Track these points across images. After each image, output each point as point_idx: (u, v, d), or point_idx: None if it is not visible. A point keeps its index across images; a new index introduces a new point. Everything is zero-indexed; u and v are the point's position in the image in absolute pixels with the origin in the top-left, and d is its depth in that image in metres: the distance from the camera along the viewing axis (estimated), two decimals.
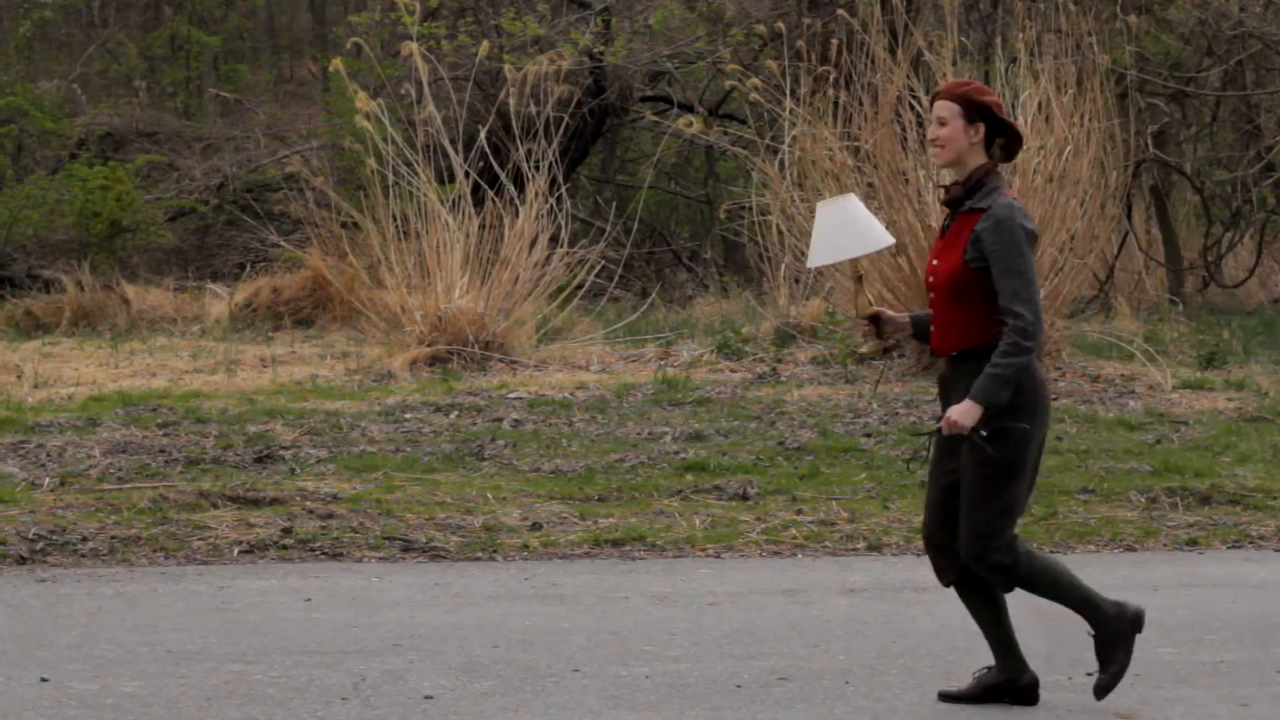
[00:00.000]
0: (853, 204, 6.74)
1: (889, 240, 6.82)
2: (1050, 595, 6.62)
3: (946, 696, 6.70)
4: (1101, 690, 6.59)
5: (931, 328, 6.62)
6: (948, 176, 6.76)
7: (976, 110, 6.47)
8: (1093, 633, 6.62)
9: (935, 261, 6.60)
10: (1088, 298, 18.73)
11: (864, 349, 6.93)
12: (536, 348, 14.93)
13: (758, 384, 13.74)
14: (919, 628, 7.79)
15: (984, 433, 6.36)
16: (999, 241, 6.36)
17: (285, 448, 11.14)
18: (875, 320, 6.79)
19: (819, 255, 6.78)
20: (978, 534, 6.42)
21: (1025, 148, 13.87)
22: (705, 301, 19.38)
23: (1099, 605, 6.60)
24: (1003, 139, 6.53)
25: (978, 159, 6.50)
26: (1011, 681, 6.65)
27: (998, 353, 6.35)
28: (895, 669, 7.11)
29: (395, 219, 14.68)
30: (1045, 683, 6.92)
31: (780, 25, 16.42)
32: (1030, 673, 6.66)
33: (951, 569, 6.56)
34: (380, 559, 9.01)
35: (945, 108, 6.51)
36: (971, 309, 6.47)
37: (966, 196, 6.48)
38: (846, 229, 6.70)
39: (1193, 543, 9.67)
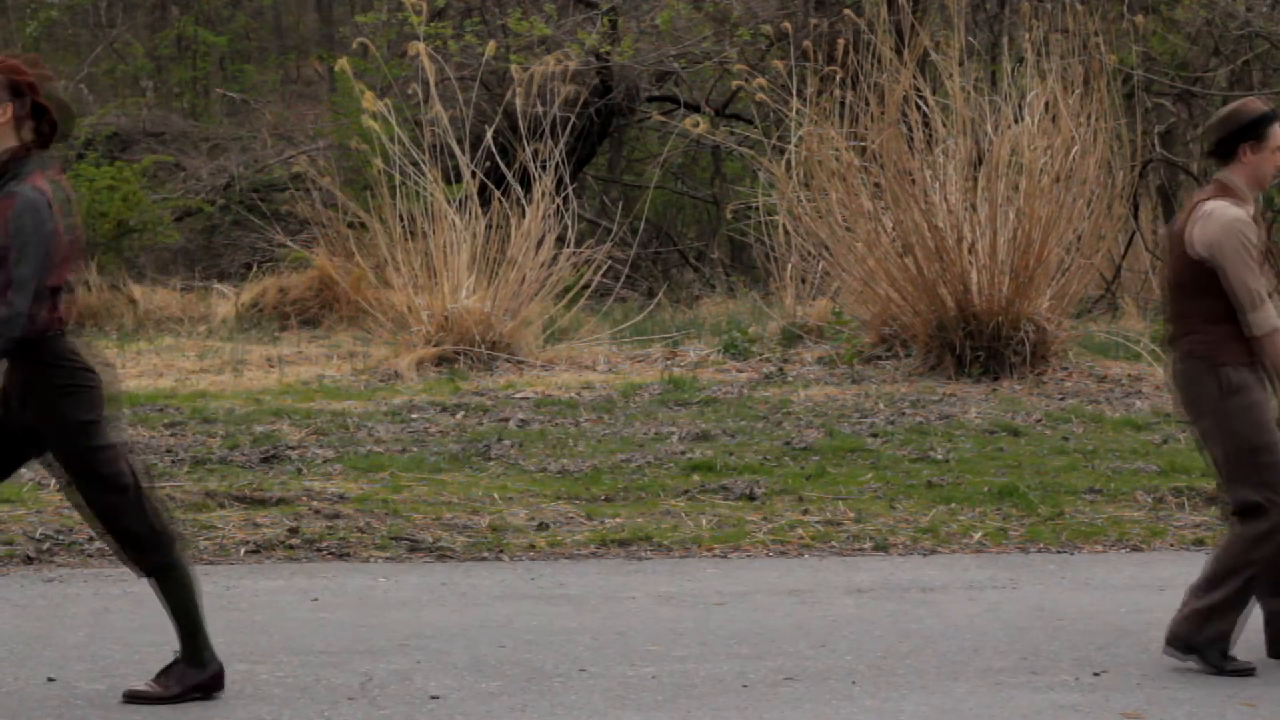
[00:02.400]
0: None
1: None
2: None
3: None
4: (133, 696, 6.56)
5: None
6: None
7: (9, 89, 6.28)
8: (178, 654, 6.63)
9: None
10: (1094, 298, 18.72)
11: None
12: (543, 348, 14.93)
13: (764, 384, 13.74)
14: (926, 628, 7.79)
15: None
16: (16, 232, 6.20)
17: (292, 448, 11.14)
18: None
19: None
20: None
21: (1031, 147, 13.93)
22: (712, 301, 19.38)
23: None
24: (39, 122, 6.34)
25: (9, 140, 6.31)
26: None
27: None
28: (902, 669, 7.11)
29: (402, 219, 14.68)
30: (1052, 682, 6.93)
31: (786, 25, 16.45)
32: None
33: None
34: (387, 559, 9.01)
35: None
36: None
37: (3, 179, 6.28)
38: None
39: (1200, 543, 9.66)
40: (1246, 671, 7.02)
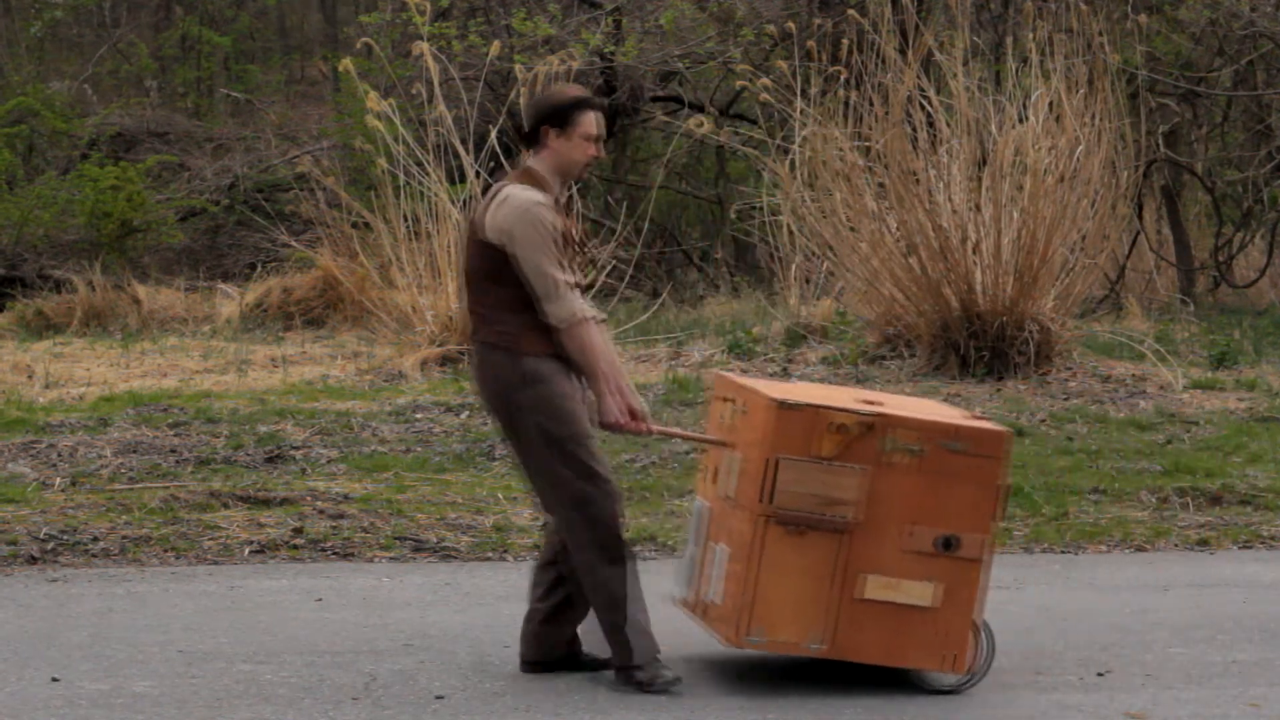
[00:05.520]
0: None
1: None
2: None
3: None
4: None
5: None
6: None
7: None
8: None
9: None
10: (1098, 297, 18.72)
11: None
12: None
13: None
14: None
15: None
16: None
17: (296, 448, 11.14)
18: None
19: None
20: None
21: (1035, 147, 13.92)
22: (716, 301, 19.39)
23: None
24: None
25: None
26: None
27: None
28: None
29: (406, 219, 14.69)
30: (1055, 683, 6.92)
31: (791, 25, 16.43)
32: None
33: None
34: (391, 559, 9.02)
35: None
36: None
37: None
38: None
39: (1204, 543, 9.66)
40: (674, 680, 6.71)
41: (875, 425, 6.58)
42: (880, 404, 6.77)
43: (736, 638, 6.63)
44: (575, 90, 6.85)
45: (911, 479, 6.62)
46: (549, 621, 6.92)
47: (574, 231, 6.79)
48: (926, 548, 6.66)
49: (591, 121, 6.73)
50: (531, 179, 6.71)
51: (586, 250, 6.92)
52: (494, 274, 6.63)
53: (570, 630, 6.96)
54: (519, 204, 6.59)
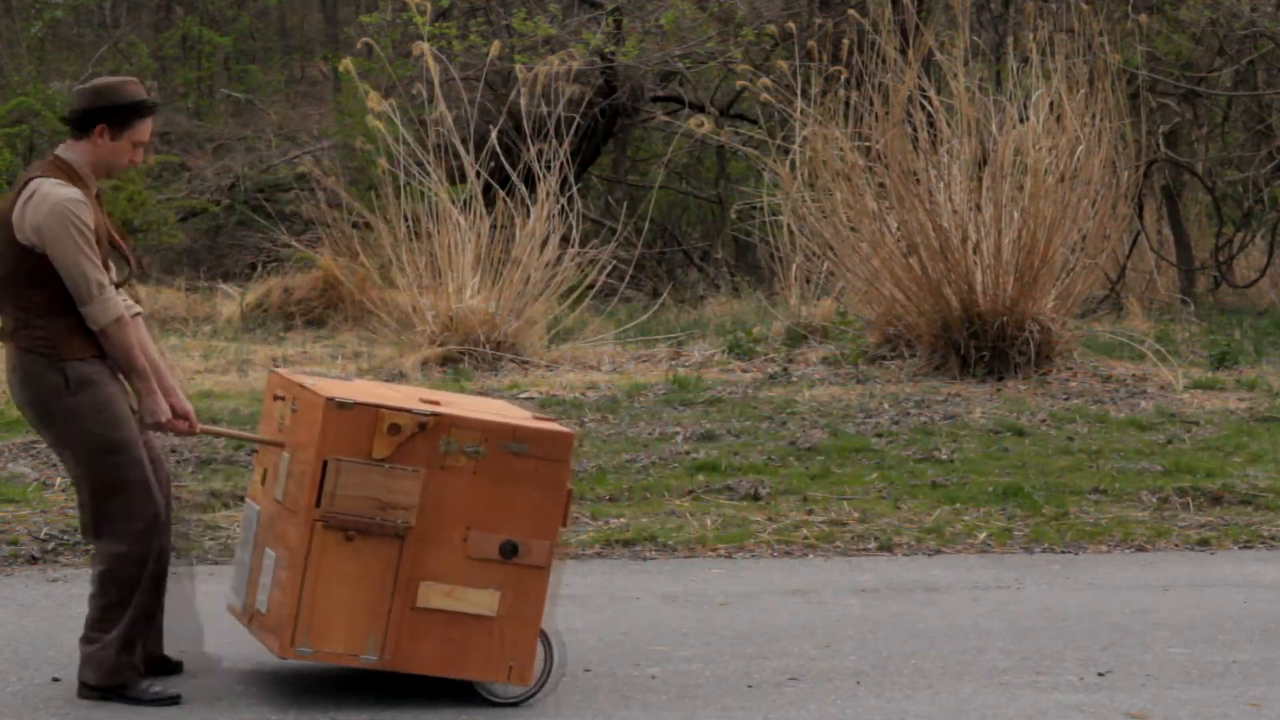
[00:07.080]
0: None
1: None
2: None
3: None
4: None
5: None
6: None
7: None
8: None
9: None
10: (1099, 297, 18.72)
11: None
12: (548, 348, 14.93)
13: (769, 384, 13.74)
14: (930, 628, 7.79)
15: None
16: None
17: None
18: None
19: None
20: None
21: (1036, 147, 13.93)
22: (716, 301, 19.38)
23: None
24: None
25: None
26: None
27: None
28: (907, 669, 7.12)
29: (406, 219, 14.68)
30: (1055, 683, 6.93)
31: (791, 25, 16.43)
32: None
33: None
34: None
35: None
36: None
37: None
38: None
39: (1204, 543, 9.67)
40: (172, 700, 6.48)
41: (431, 425, 6.31)
42: (439, 403, 6.51)
43: (283, 648, 6.34)
44: (137, 90, 6.49)
45: (471, 482, 6.36)
46: (126, 650, 6.57)
47: (108, 228, 6.52)
48: (487, 554, 6.40)
49: (147, 128, 6.49)
50: (63, 171, 6.38)
51: (121, 247, 6.62)
52: (30, 275, 6.32)
53: (154, 646, 6.78)
54: (50, 201, 6.27)
